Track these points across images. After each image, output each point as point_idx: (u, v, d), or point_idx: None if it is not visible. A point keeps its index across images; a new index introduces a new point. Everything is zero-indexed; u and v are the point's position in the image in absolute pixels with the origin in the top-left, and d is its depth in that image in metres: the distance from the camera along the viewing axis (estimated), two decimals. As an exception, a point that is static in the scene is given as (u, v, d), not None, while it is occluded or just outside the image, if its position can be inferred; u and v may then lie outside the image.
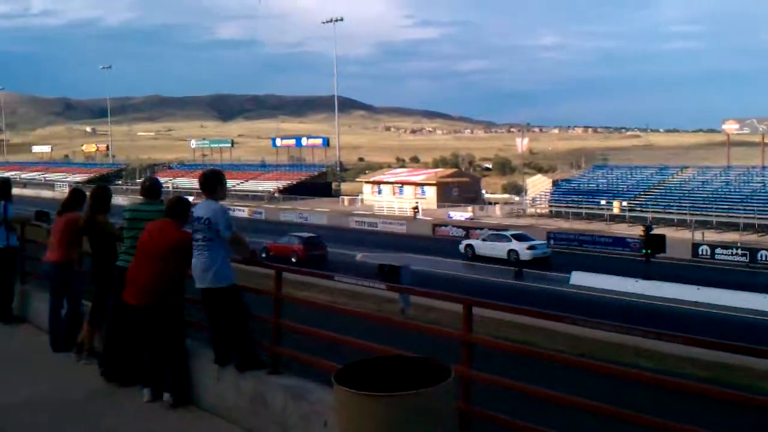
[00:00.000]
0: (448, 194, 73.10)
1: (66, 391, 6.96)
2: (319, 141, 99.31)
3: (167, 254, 6.23)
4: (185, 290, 6.61)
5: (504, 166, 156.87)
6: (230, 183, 78.45)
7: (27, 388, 7.00)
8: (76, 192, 8.70)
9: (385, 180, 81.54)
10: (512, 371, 5.00)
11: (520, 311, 5.65)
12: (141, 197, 7.41)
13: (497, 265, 39.07)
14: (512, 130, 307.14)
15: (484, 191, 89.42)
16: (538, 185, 72.58)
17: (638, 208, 57.62)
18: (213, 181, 6.37)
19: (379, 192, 78.90)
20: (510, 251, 40.78)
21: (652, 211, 55.89)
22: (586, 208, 60.71)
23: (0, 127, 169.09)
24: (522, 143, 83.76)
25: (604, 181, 67.29)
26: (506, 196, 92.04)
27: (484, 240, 44.29)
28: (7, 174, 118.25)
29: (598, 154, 77.53)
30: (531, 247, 40.99)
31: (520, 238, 42.57)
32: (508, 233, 44.30)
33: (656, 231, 39.23)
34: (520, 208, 68.12)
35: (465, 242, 45.49)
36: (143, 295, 6.25)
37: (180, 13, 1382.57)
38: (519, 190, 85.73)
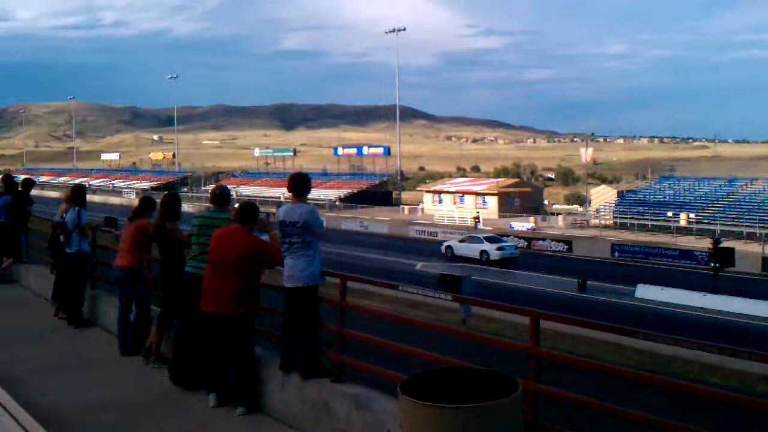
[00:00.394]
0: (509, 204, 72.49)
1: (133, 394, 7.09)
2: (380, 150, 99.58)
3: (240, 260, 6.30)
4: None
5: (567, 177, 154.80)
6: (283, 191, 79.50)
7: (95, 391, 7.15)
8: (146, 199, 8.89)
9: (445, 189, 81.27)
10: (576, 385, 4.92)
11: (589, 325, 5.55)
12: (210, 204, 7.54)
13: (559, 277, 38.51)
14: (576, 139, 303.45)
15: (546, 201, 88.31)
16: (602, 196, 71.41)
17: (706, 221, 56.08)
18: (302, 185, 6.51)
19: (440, 201, 78.67)
20: (482, 251, 44.69)
21: (720, 224, 54.31)
22: (651, 219, 59.41)
23: (71, 134, 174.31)
24: (586, 153, 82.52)
25: (671, 192, 65.77)
26: (569, 206, 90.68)
27: (461, 242, 47.74)
28: (76, 180, 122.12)
29: (665, 165, 75.85)
30: (500, 248, 44.71)
31: (491, 240, 46.78)
32: (481, 236, 48.43)
33: (725, 244, 38.21)
34: (584, 219, 66.99)
35: (445, 243, 48.68)
36: (221, 302, 6.32)
37: (247, 25, 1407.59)
38: (582, 200, 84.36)
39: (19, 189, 13.67)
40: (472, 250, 45.38)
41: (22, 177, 14.29)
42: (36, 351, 8.75)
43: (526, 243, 52.08)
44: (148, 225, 8.18)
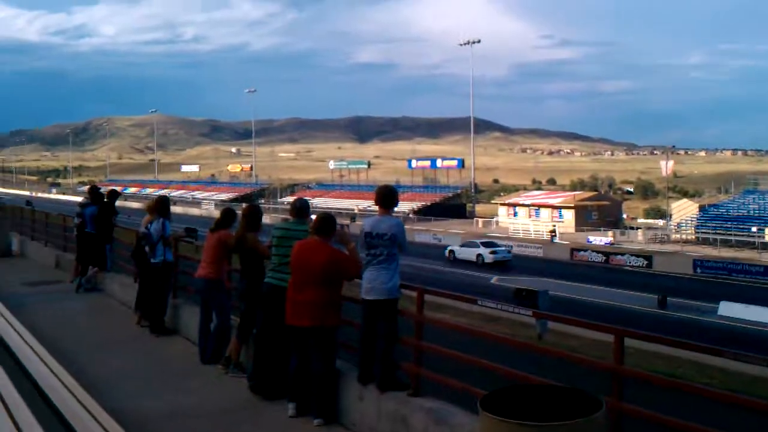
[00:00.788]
0: (586, 218, 71.16)
1: (212, 401, 7.21)
2: (454, 162, 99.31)
3: (322, 272, 6.33)
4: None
5: (646, 190, 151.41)
6: (365, 203, 79.93)
7: (176, 398, 7.30)
8: (227, 211, 9.06)
9: (520, 202, 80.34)
10: (655, 404, 4.77)
11: (675, 344, 5.38)
12: (290, 216, 7.62)
13: (638, 293, 37.51)
14: (656, 152, 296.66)
15: (625, 215, 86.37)
16: (684, 210, 69.35)
17: (792, 236, 53.93)
18: (389, 197, 6.53)
19: (515, 214, 77.80)
20: (478, 255, 49.32)
21: (807, 240, 52.17)
22: (735, 234, 57.38)
23: (152, 147, 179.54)
24: (666, 166, 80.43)
25: (755, 206, 63.34)
26: (649, 220, 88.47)
27: (461, 246, 53.07)
28: (159, 192, 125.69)
29: (749, 179, 72.95)
30: (493, 252, 49.23)
31: (487, 245, 51.49)
32: (478, 241, 53.25)
33: (813, 261, 36.70)
34: (664, 233, 65.17)
35: (449, 248, 53.73)
36: (304, 316, 6.36)
37: (322, 39, 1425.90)
38: (663, 214, 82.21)
39: (105, 200, 14.15)
40: (470, 254, 49.98)
41: (108, 188, 14.75)
42: (119, 358, 8.99)
43: (604, 258, 51.03)
44: (229, 236, 8.32)
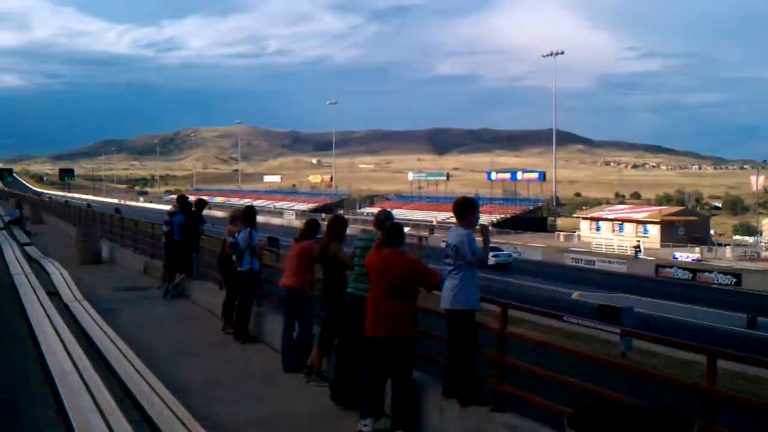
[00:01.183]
0: (672, 233, 69.16)
1: (294, 409, 7.29)
2: (534, 175, 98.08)
3: (401, 282, 6.34)
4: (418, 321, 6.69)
5: (735, 205, 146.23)
6: (443, 215, 79.65)
7: (259, 405, 7.42)
8: (312, 222, 9.17)
9: (603, 216, 78.74)
10: (743, 427, 4.58)
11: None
12: (374, 228, 7.65)
13: (727, 311, 36.18)
14: (745, 166, 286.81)
15: (713, 231, 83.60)
16: (775, 226, 66.74)
17: None
18: (461, 208, 6.55)
19: (597, 229, 76.27)
20: None
21: None
22: (829, 252, 54.88)
23: (236, 157, 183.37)
24: (757, 181, 77.56)
25: None
26: (738, 237, 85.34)
27: None
28: (240, 202, 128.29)
29: None
30: (495, 255, 52.47)
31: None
32: None
33: None
34: (754, 250, 62.81)
35: None
36: (382, 327, 6.35)
37: (402, 51, 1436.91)
38: (752, 231, 79.22)
39: (192, 209, 14.51)
40: None
41: (195, 198, 15.12)
42: (205, 364, 9.19)
43: (690, 275, 49.49)
44: (312, 246, 8.40)
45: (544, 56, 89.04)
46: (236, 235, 10.66)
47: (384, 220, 7.51)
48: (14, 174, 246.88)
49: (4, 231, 23.92)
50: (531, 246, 66.06)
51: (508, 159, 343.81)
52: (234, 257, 10.64)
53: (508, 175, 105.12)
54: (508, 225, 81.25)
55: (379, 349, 6.45)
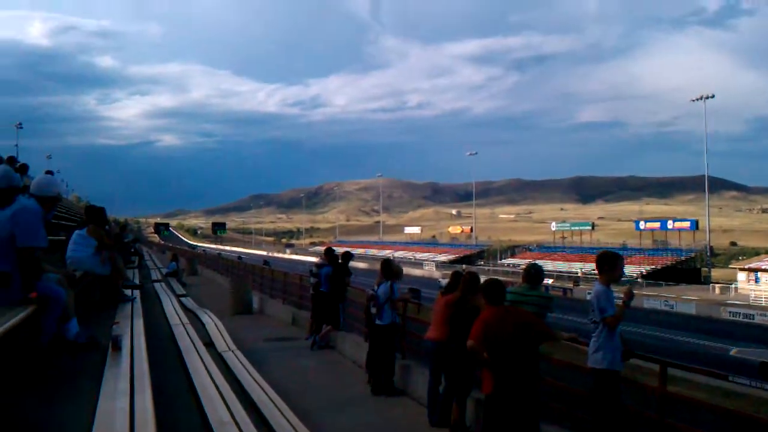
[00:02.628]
0: (841, 286, 63.86)
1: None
2: (686, 224, 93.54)
3: (522, 336, 6.18)
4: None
5: None
6: (588, 266, 77.26)
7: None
8: (456, 274, 9.11)
9: (763, 267, 73.86)
10: None
11: None
12: (522, 281, 7.52)
13: None
14: None
15: None
16: None
17: None
18: (600, 263, 6.46)
19: (756, 280, 71.49)
20: None
21: None
22: None
23: (377, 209, 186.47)
24: None
25: None
26: None
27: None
28: (381, 253, 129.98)
29: None
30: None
31: None
32: None
33: None
34: None
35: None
36: (505, 381, 6.18)
37: (542, 100, 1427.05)
38: None
39: (339, 261, 14.79)
40: None
41: (342, 250, 15.40)
42: (350, 416, 9.26)
43: None
44: (455, 297, 8.35)
45: (693, 100, 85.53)
46: (376, 288, 10.74)
47: (534, 274, 7.40)
48: (170, 228, 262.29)
49: (162, 283, 25.25)
50: (684, 299, 62.76)
51: (657, 207, 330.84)
52: (374, 310, 10.70)
53: (657, 224, 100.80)
54: (658, 276, 77.70)
55: (506, 403, 6.31)
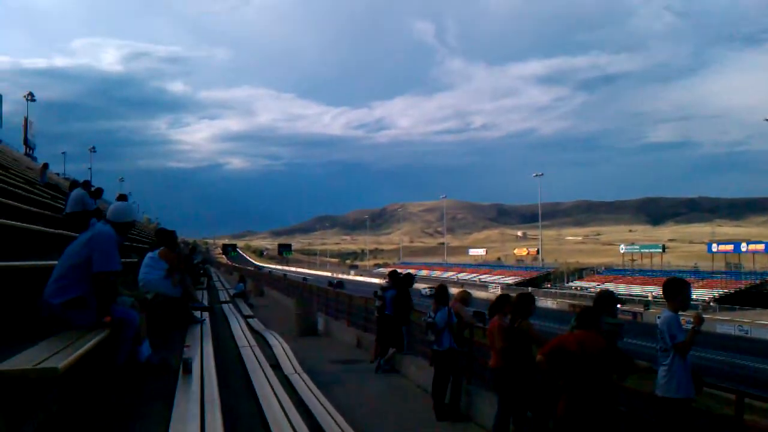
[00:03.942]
0: None
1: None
2: (760, 246, 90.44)
3: (595, 363, 6.05)
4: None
5: None
6: (658, 290, 75.42)
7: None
8: (501, 297, 9.08)
9: (843, 291, 70.93)
10: None
11: None
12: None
13: None
14: None
15: None
16: None
17: None
18: (666, 289, 6.37)
19: (840, 305, 68.68)
20: None
21: None
22: None
23: (441, 231, 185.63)
24: None
25: None
26: None
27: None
28: (445, 275, 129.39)
29: None
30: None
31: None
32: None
33: None
34: None
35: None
36: (578, 408, 6.07)
37: (610, 120, 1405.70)
38: None
39: (402, 284, 14.77)
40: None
41: (404, 272, 15.35)
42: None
43: None
44: (498, 320, 8.27)
45: (766, 119, 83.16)
46: (432, 314, 10.67)
47: (605, 299, 7.28)
48: (237, 249, 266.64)
49: (230, 304, 25.63)
50: (759, 323, 60.57)
51: (730, 229, 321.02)
52: (432, 336, 10.63)
53: (731, 247, 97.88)
54: (732, 300, 75.23)
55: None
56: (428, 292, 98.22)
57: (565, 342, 6.28)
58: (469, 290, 13.37)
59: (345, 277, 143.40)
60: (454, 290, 12.83)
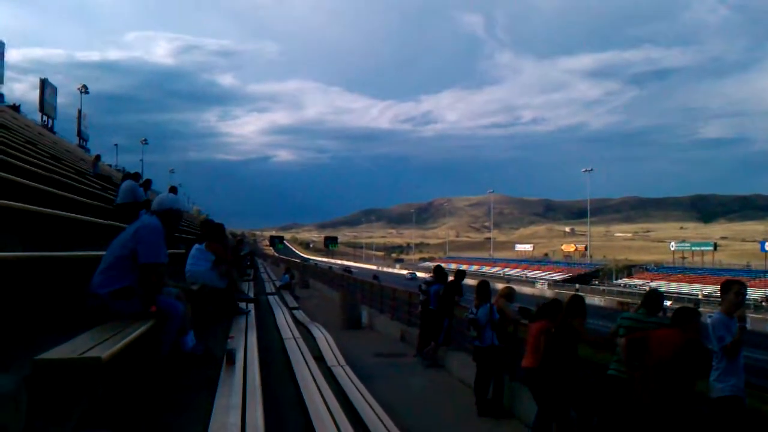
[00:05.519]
0: None
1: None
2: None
3: (677, 359, 5.97)
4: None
5: None
6: (710, 288, 73.92)
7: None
8: (554, 302, 8.95)
9: None
10: None
11: None
12: (640, 307, 7.32)
13: None
14: None
15: None
16: None
17: None
18: (721, 290, 6.37)
19: None
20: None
21: None
22: None
23: (488, 226, 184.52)
24: None
25: None
26: None
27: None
28: (491, 270, 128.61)
29: None
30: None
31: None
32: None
33: None
34: None
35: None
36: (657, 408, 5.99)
37: (662, 116, 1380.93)
38: None
39: (450, 279, 14.73)
40: None
41: (453, 266, 15.32)
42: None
43: None
44: (550, 324, 8.13)
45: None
46: (474, 311, 10.61)
47: (654, 299, 7.19)
48: (284, 241, 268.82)
49: (276, 296, 25.85)
50: (815, 325, 58.96)
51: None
52: (473, 332, 10.58)
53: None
54: (788, 300, 73.43)
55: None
56: (409, 276, 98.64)
57: (649, 335, 6.29)
58: (514, 286, 13.29)
59: (390, 270, 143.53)
60: (500, 286, 12.77)
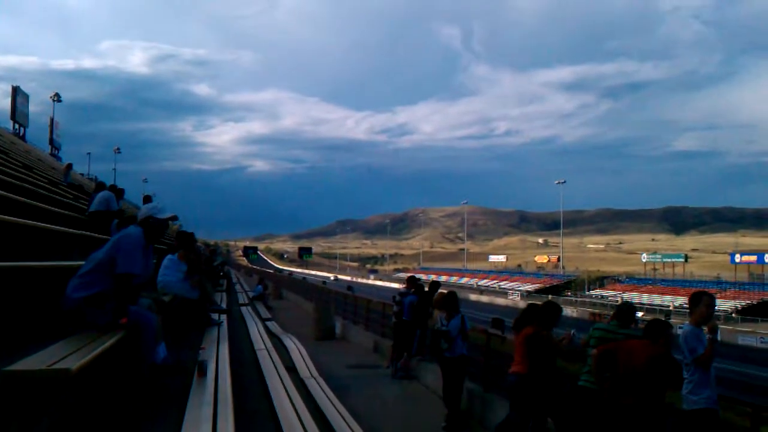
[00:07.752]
0: None
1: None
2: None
3: (646, 371, 6.03)
4: None
5: None
6: (680, 300, 74.64)
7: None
8: (531, 307, 8.99)
9: None
10: None
11: None
12: (612, 319, 7.40)
13: None
14: None
15: None
16: None
17: None
18: (690, 302, 6.35)
19: None
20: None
21: None
22: None
23: (462, 237, 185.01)
24: None
25: None
26: None
27: None
28: (463, 281, 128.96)
29: None
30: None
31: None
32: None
33: None
34: None
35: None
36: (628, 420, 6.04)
37: (635, 128, 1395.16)
38: None
39: (426, 290, 14.74)
40: None
41: (426, 277, 15.36)
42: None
43: None
44: (530, 332, 8.20)
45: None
46: (444, 321, 10.61)
47: (626, 312, 7.28)
48: (258, 251, 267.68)
49: (248, 306, 25.74)
50: (782, 336, 59.86)
51: (755, 239, 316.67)
52: (443, 344, 10.57)
53: (754, 257, 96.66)
54: (755, 312, 74.29)
55: None
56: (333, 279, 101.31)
57: (619, 346, 6.34)
58: (488, 297, 13.34)
59: (364, 281, 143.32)
60: (473, 296, 12.81)
